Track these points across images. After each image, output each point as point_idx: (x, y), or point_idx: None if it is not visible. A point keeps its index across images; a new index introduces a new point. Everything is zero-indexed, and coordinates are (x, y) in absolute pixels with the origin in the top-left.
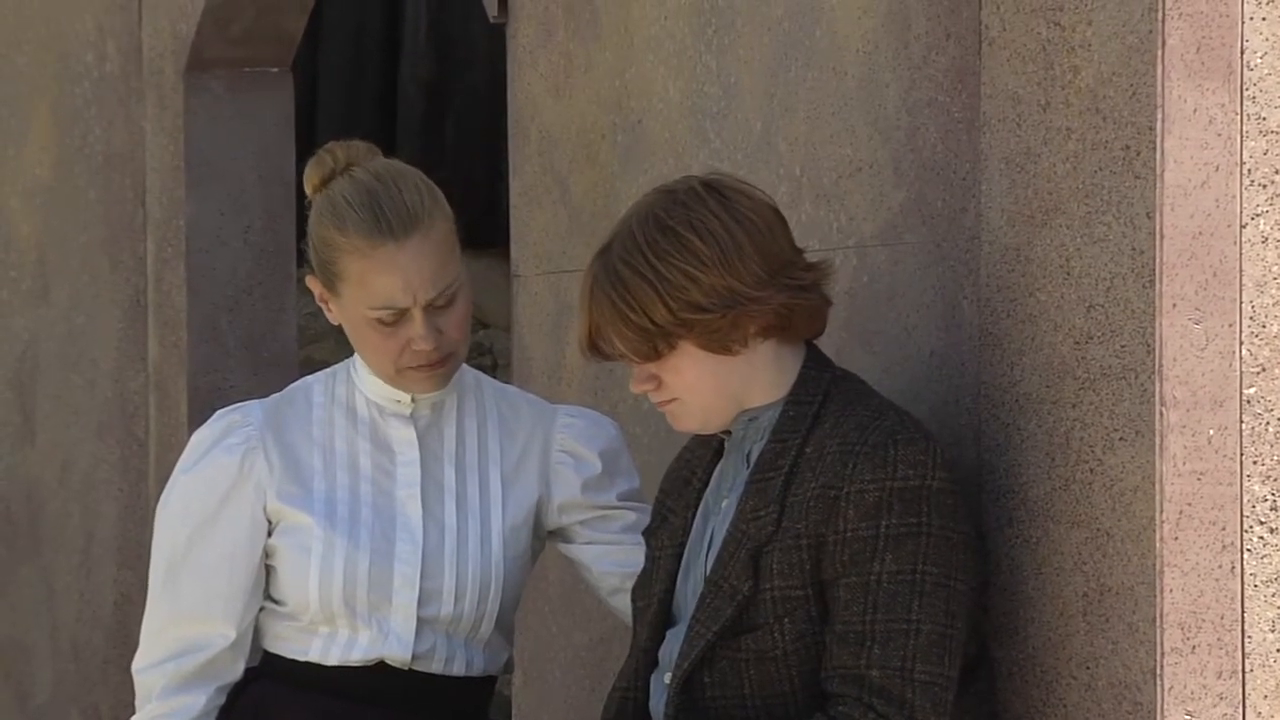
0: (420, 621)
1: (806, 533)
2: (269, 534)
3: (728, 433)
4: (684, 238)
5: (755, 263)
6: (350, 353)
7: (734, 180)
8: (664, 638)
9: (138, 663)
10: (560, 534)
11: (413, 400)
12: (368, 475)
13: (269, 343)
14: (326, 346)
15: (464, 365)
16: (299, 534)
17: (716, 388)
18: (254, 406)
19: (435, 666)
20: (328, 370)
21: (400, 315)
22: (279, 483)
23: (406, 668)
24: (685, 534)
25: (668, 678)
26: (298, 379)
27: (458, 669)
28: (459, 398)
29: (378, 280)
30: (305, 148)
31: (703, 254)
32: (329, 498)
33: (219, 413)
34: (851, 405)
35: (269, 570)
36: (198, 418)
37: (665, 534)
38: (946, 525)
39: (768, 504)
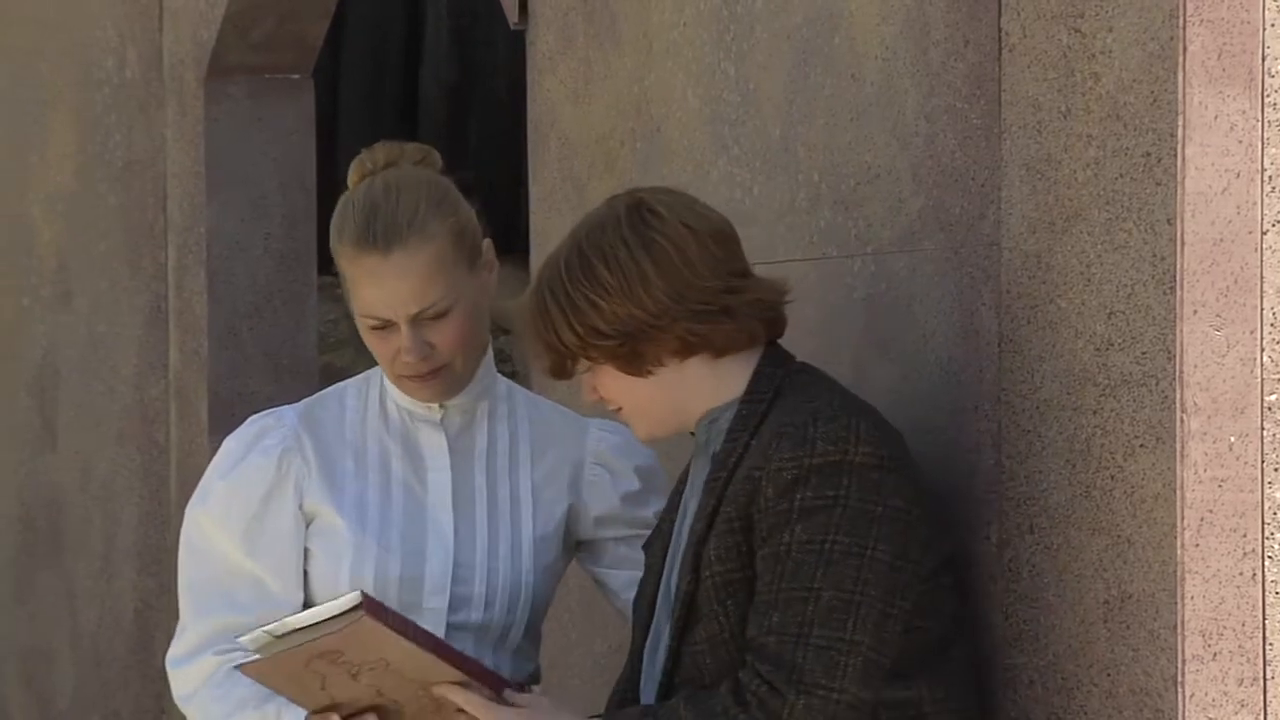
0: (450, 627)
1: (737, 515)
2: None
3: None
4: (593, 265)
5: (660, 290)
6: (372, 360)
7: (665, 201)
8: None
9: (177, 651)
10: (590, 549)
11: (442, 407)
12: (399, 479)
13: (289, 349)
14: (346, 354)
15: (496, 374)
16: (331, 536)
17: (643, 401)
18: (286, 410)
19: None
20: (362, 375)
21: (388, 324)
22: (315, 482)
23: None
24: (670, 539)
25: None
26: (318, 385)
27: None
28: (490, 405)
29: (364, 289)
30: (326, 154)
31: (607, 282)
32: (360, 500)
33: (251, 419)
34: (795, 395)
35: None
36: (218, 424)
37: (658, 542)
38: (868, 498)
39: (710, 499)
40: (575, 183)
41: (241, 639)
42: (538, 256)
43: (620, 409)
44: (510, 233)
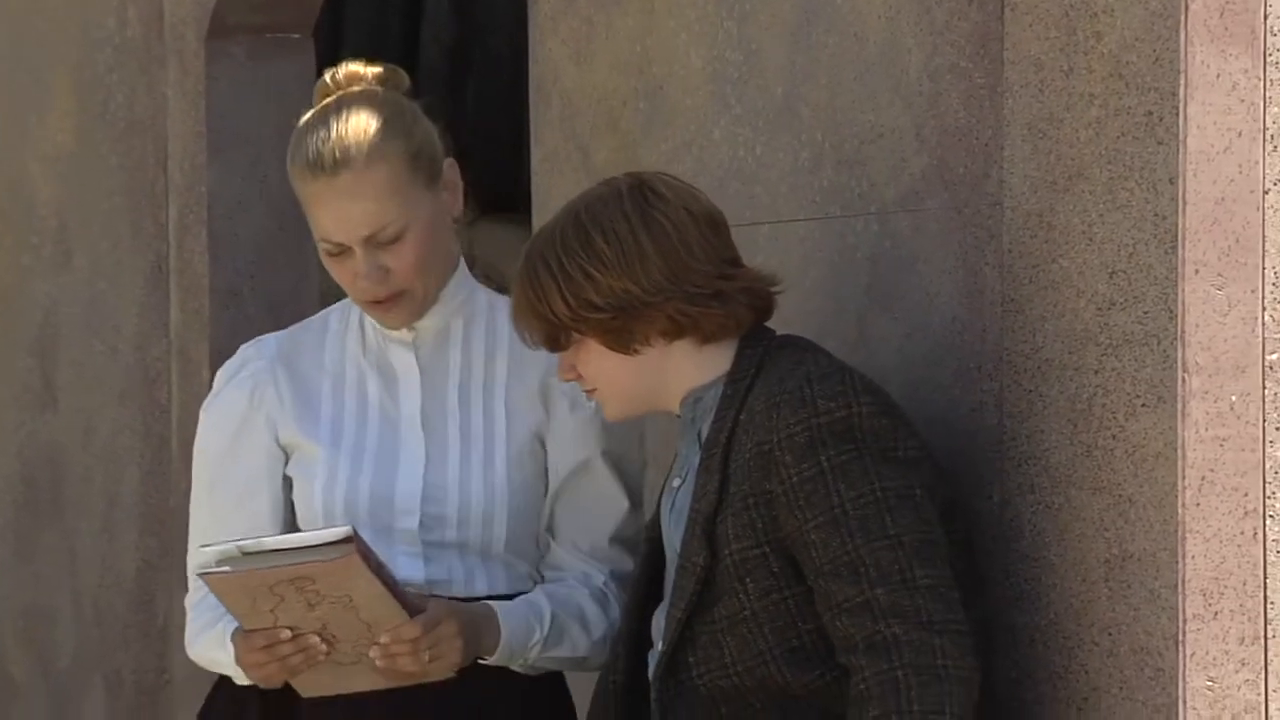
0: (427, 545)
1: (751, 491)
2: (285, 465)
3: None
4: (591, 237)
5: (657, 268)
6: None
7: (667, 183)
8: (644, 617)
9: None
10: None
11: (412, 328)
12: (374, 402)
13: (290, 309)
14: None
15: (475, 287)
16: (308, 464)
17: (622, 382)
18: (269, 339)
19: (456, 589)
20: (347, 299)
21: (343, 249)
22: (290, 413)
23: (427, 593)
24: (658, 518)
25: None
26: None
27: (481, 588)
28: (465, 322)
29: (316, 213)
30: None
31: (604, 255)
32: (335, 423)
33: (241, 347)
34: (779, 365)
35: (290, 505)
36: None
37: (650, 523)
38: (886, 444)
39: (712, 476)
40: (577, 142)
41: (207, 549)
42: (540, 217)
43: (595, 390)
44: (511, 193)
